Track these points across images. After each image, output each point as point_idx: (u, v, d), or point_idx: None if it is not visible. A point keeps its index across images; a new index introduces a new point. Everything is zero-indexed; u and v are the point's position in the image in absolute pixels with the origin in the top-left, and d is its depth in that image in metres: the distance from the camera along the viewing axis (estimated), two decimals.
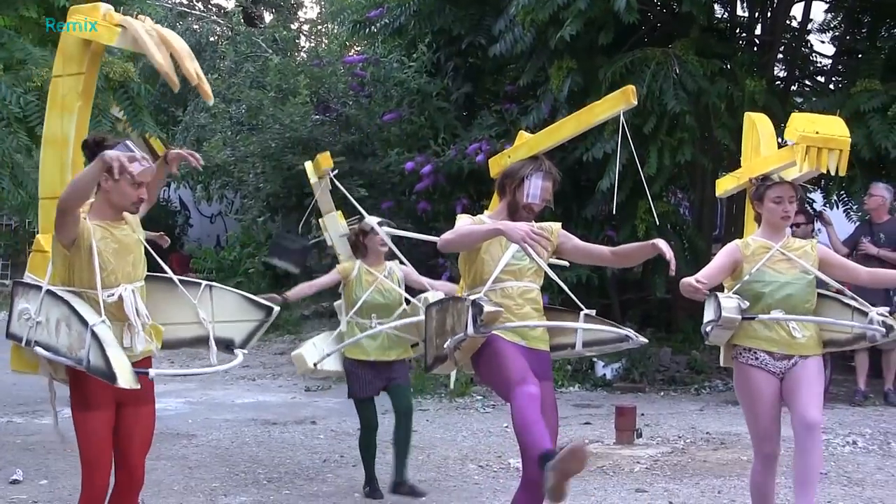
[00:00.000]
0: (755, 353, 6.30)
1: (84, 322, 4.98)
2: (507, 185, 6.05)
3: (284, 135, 16.17)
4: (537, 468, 5.35)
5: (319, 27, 27.18)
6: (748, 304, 6.22)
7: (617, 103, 6.52)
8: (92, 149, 5.31)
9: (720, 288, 6.44)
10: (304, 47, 24.37)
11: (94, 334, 4.93)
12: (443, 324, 5.90)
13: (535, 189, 5.95)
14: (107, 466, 5.30)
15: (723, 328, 6.23)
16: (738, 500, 8.15)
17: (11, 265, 26.64)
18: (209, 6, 31.00)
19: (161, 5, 24.65)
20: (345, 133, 16.39)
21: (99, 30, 5.47)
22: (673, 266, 5.72)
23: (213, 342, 5.59)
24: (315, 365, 8.24)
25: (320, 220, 8.62)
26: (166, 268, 5.69)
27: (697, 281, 6.03)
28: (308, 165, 8.70)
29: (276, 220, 18.90)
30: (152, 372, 5.20)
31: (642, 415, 11.14)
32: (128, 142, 5.32)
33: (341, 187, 8.57)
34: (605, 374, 14.13)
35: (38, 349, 5.19)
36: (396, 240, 8.38)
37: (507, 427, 10.98)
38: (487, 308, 5.57)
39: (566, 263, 7.63)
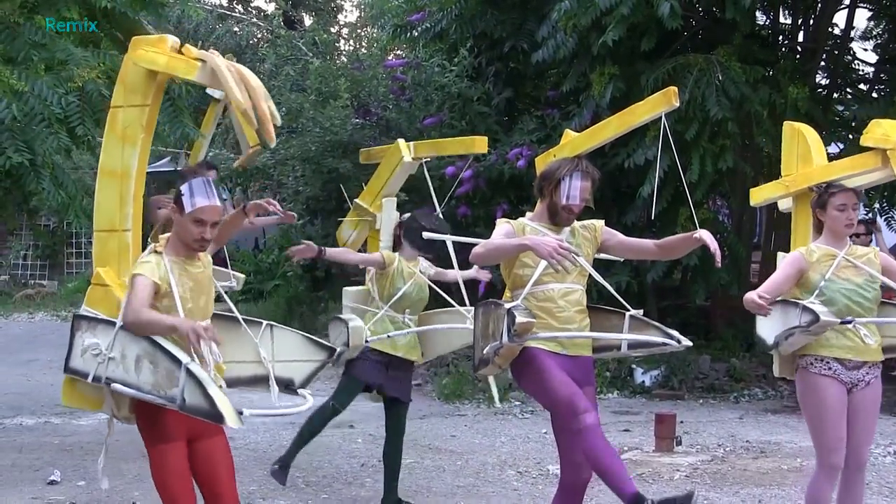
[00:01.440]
0: (827, 362, 6.19)
1: (174, 359, 4.86)
2: (545, 187, 5.99)
3: (324, 138, 16.16)
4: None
5: (359, 31, 27.21)
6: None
7: (659, 105, 6.49)
8: (185, 178, 5.21)
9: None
10: (344, 50, 24.41)
11: (189, 372, 4.80)
12: (486, 327, 5.88)
13: (574, 190, 5.88)
14: (191, 496, 5.17)
15: (811, 334, 6.12)
16: None
17: (50, 266, 26.85)
18: (249, 9, 31.13)
19: (202, 7, 24.79)
20: (385, 137, 16.33)
21: (175, 63, 5.44)
22: (718, 258, 5.67)
23: (273, 382, 5.50)
24: (367, 342, 8.00)
25: (362, 201, 8.65)
26: (232, 306, 5.60)
27: (760, 296, 5.96)
28: (402, 142, 8.90)
29: (315, 224, 18.91)
30: (247, 412, 5.02)
31: (681, 422, 11.08)
32: (209, 178, 5.23)
33: (428, 179, 8.67)
34: (644, 381, 14.07)
35: (116, 386, 5.03)
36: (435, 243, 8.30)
37: (546, 433, 10.95)
38: (519, 319, 5.54)
39: (619, 258, 7.62)
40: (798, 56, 15.52)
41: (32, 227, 24.80)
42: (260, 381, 5.54)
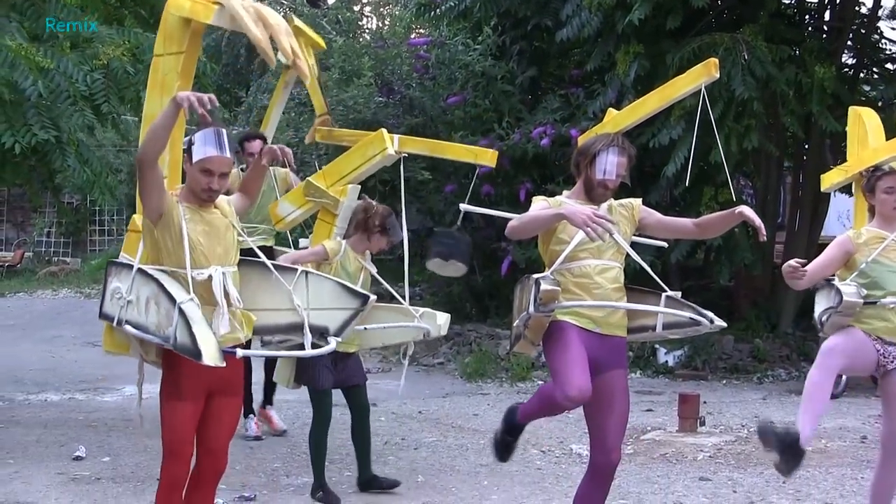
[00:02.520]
0: None
1: (172, 299, 4.96)
2: (581, 162, 5.92)
3: (348, 116, 16.12)
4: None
5: (382, 9, 27.14)
6: (865, 291, 6.12)
7: (699, 76, 6.47)
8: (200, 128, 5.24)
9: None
10: (367, 29, 24.36)
11: (181, 311, 4.91)
12: (520, 301, 5.85)
13: (609, 165, 5.81)
14: (188, 455, 5.27)
15: (842, 315, 6.12)
16: (804, 491, 8.08)
17: (73, 243, 26.94)
18: None
19: None
20: (408, 115, 16.35)
21: (196, 7, 5.45)
22: (763, 231, 5.64)
23: (307, 329, 5.50)
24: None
25: (318, 181, 8.21)
26: (259, 253, 5.63)
27: (797, 262, 5.95)
28: (385, 133, 8.25)
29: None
30: (240, 352, 5.14)
31: (705, 402, 11.05)
32: (222, 129, 5.24)
33: (401, 174, 8.47)
34: (667, 361, 14.05)
35: (128, 328, 5.17)
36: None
37: (568, 412, 10.93)
38: (544, 286, 5.50)
39: (664, 244, 7.59)
40: (825, 35, 15.41)
41: (56, 204, 24.89)
42: (296, 328, 5.55)
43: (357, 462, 8.07)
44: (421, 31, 19.79)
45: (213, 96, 4.99)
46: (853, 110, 7.14)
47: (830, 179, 7.36)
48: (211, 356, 4.83)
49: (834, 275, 6.37)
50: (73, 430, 9.83)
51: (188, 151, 5.18)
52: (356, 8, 28.08)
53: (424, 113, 16.30)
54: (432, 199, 15.87)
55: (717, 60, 6.42)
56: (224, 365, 4.92)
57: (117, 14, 10.40)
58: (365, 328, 7.58)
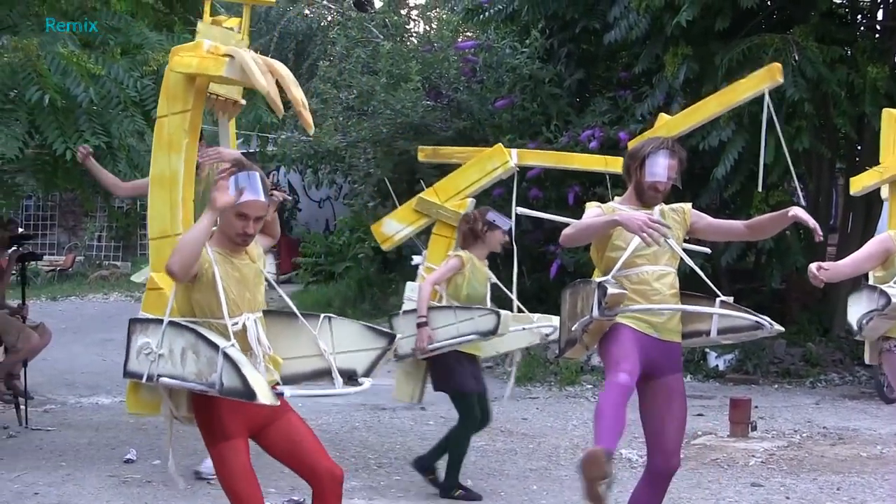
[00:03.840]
0: None
1: (213, 346, 4.91)
2: (631, 166, 5.87)
3: (396, 120, 16.17)
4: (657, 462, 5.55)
5: (430, 12, 27.15)
6: None
7: (762, 81, 6.42)
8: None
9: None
10: (414, 32, 24.38)
11: (226, 356, 4.85)
12: (574, 306, 5.79)
13: (660, 168, 5.76)
14: (257, 495, 5.12)
15: (887, 318, 6.06)
16: (859, 498, 7.98)
17: (124, 247, 27.13)
18: None
19: None
20: (456, 119, 16.35)
21: (205, 63, 5.46)
22: (819, 232, 5.58)
23: (336, 374, 5.40)
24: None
25: (432, 197, 8.44)
26: (288, 301, 5.59)
27: (819, 266, 5.89)
28: (502, 147, 8.63)
29: (386, 206, 18.92)
30: (287, 391, 5.09)
31: (756, 407, 10.96)
32: (256, 172, 5.18)
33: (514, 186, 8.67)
34: (717, 365, 13.96)
35: (164, 380, 5.09)
36: None
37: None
38: (611, 290, 5.45)
39: (707, 250, 7.56)
40: (877, 35, 15.24)
41: (107, 208, 25.07)
42: (322, 374, 5.47)
43: (435, 450, 8.16)
44: (469, 34, 19.79)
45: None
46: (887, 112, 7.04)
47: (861, 182, 7.26)
48: (265, 395, 4.76)
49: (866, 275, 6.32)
50: (123, 433, 9.90)
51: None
52: (403, 12, 28.14)
53: (472, 116, 16.29)
54: (479, 201, 15.82)
55: (780, 65, 6.36)
56: (278, 403, 4.86)
57: (167, 20, 10.48)
58: (524, 328, 7.99)
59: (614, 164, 8.44)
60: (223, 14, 9.80)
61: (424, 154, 9.74)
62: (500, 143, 8.79)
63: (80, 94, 8.24)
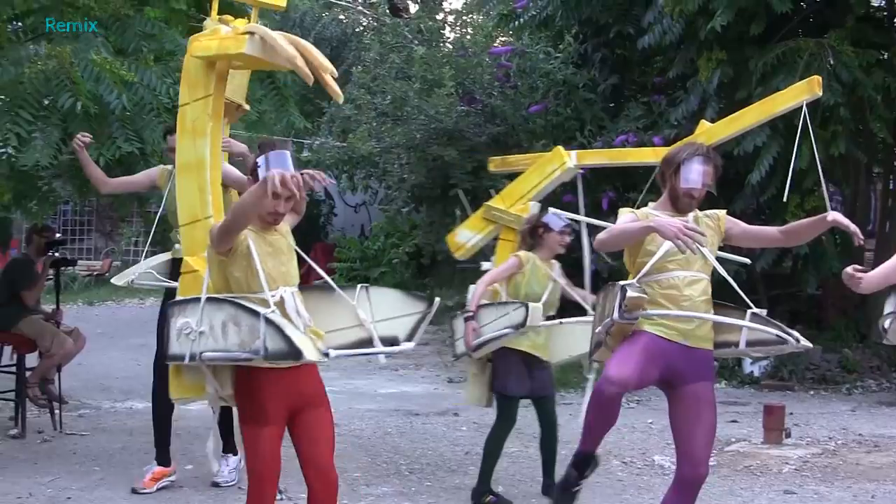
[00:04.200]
0: None
1: (254, 313, 4.97)
2: (666, 172, 5.84)
3: (429, 126, 16.18)
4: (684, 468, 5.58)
5: (464, 18, 27.21)
6: None
7: (801, 93, 6.43)
8: (262, 150, 5.24)
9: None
10: (449, 38, 24.42)
11: (267, 321, 4.91)
12: (603, 309, 5.80)
13: (694, 174, 5.72)
14: (275, 479, 5.24)
15: None
16: None
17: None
18: None
19: None
20: (490, 124, 16.34)
21: (225, 43, 5.47)
22: (859, 235, 5.54)
23: (377, 341, 5.49)
24: (475, 348, 7.93)
25: (499, 204, 8.61)
26: (322, 273, 5.65)
27: (854, 268, 5.84)
28: (561, 149, 8.78)
29: (419, 211, 18.96)
30: (333, 352, 5.16)
31: (791, 414, 10.90)
32: (286, 151, 5.24)
33: (580, 188, 8.82)
34: (752, 372, 13.88)
35: (207, 355, 5.15)
36: None
37: (651, 423, 10.87)
38: (630, 293, 5.43)
39: (747, 260, 7.56)
40: None
41: (143, 214, 25.17)
42: (364, 344, 5.54)
43: (542, 469, 8.13)
44: (503, 38, 19.78)
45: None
46: None
47: None
48: (311, 352, 4.85)
49: None
50: None
51: (253, 174, 5.16)
52: (439, 17, 28.16)
53: (506, 122, 16.27)
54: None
55: (819, 78, 6.33)
56: (326, 359, 4.96)
57: (201, 28, 10.52)
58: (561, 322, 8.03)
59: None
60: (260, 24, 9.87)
61: (494, 164, 9.95)
62: (559, 147, 8.92)
63: (112, 101, 8.30)
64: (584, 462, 5.93)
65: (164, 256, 8.25)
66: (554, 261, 8.09)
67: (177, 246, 7.65)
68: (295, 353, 4.83)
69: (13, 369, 10.26)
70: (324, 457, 5.31)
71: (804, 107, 6.32)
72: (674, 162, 5.78)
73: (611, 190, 14.64)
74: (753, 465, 9.12)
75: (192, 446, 9.45)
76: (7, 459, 9.00)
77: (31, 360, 10.39)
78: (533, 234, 8.01)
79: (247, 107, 7.77)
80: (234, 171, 7.48)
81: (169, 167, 7.90)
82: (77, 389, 12.12)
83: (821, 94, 6.29)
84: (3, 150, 8.19)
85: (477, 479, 7.98)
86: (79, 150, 7.90)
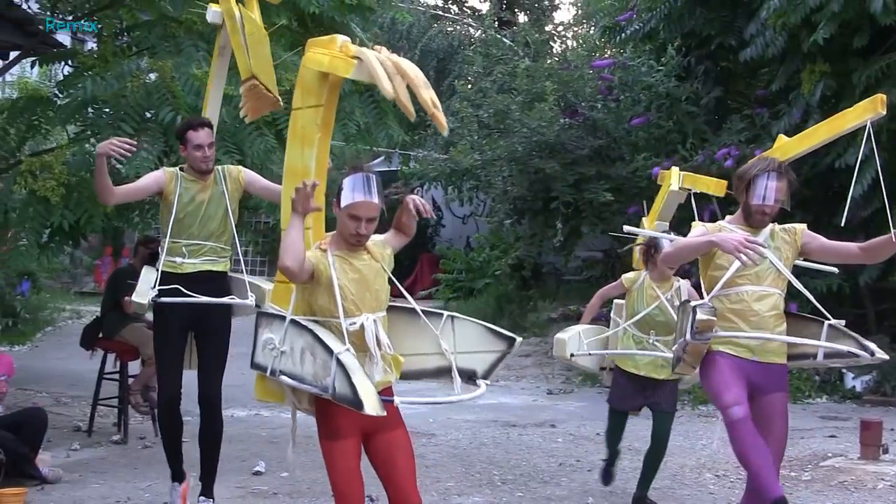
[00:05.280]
0: None
1: (329, 350, 5.01)
2: (739, 187, 5.90)
3: (531, 139, 16.26)
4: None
5: (568, 31, 27.23)
6: None
7: (864, 112, 6.38)
8: (350, 172, 5.32)
9: None
10: (555, 51, 24.46)
11: (339, 362, 4.94)
12: (680, 327, 5.86)
13: (767, 190, 5.76)
14: (359, 493, 5.27)
15: None
16: None
17: (269, 262, 27.63)
18: (464, 9, 31.42)
19: (415, 9, 25.10)
20: (591, 137, 16.38)
21: (336, 62, 5.56)
22: None
23: (456, 373, 5.51)
24: (572, 356, 8.25)
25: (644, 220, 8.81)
26: (410, 299, 5.64)
27: None
28: (675, 170, 8.91)
29: (522, 223, 19.02)
30: (397, 400, 5.16)
31: (892, 430, 10.75)
32: (370, 174, 5.30)
33: (694, 204, 8.74)
34: (854, 387, 13.71)
35: (284, 378, 5.23)
36: None
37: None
38: (699, 316, 5.50)
39: (833, 269, 7.53)
40: None
41: (253, 223, 25.56)
42: (444, 372, 5.56)
43: (639, 479, 8.27)
44: (606, 51, 19.78)
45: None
46: None
47: None
48: (372, 406, 4.83)
49: None
50: (255, 446, 10.14)
51: (337, 196, 5.23)
52: (547, 28, 28.20)
53: (608, 134, 16.31)
54: (616, 220, 15.84)
55: (884, 97, 6.30)
56: (385, 414, 4.92)
57: (302, 40, 10.70)
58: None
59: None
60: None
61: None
62: (674, 168, 9.08)
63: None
64: None
65: (153, 274, 7.28)
66: (680, 280, 8.17)
67: (179, 260, 7.27)
68: (356, 403, 4.84)
69: (116, 376, 10.54)
70: (404, 482, 5.34)
71: (868, 125, 6.29)
72: (746, 177, 5.82)
73: (712, 203, 14.56)
74: (848, 481, 9.03)
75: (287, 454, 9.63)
76: (109, 464, 9.25)
77: (134, 367, 10.66)
78: (647, 254, 8.16)
79: (281, 104, 7.28)
80: (277, 187, 7.08)
81: (175, 170, 7.30)
82: None
83: (884, 112, 6.25)
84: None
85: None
86: (104, 155, 6.89)
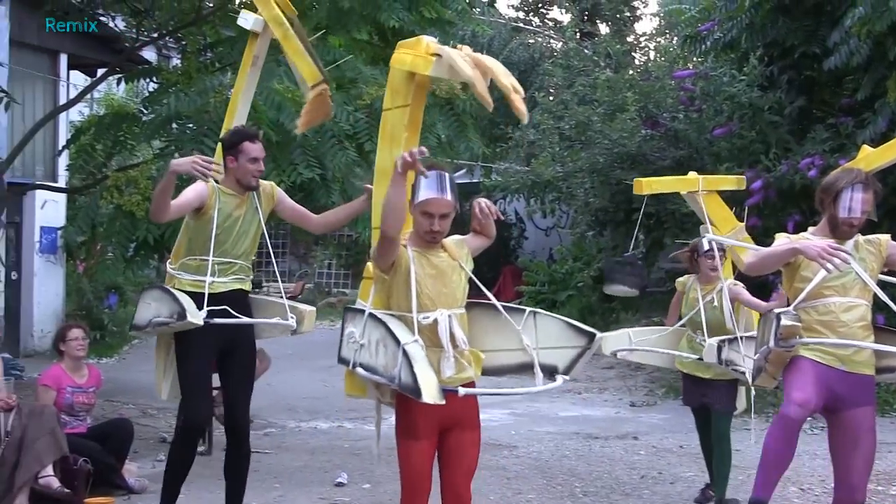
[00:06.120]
0: None
1: (397, 341, 5.10)
2: (825, 200, 5.84)
3: (612, 150, 16.21)
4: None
5: (650, 42, 27.12)
6: None
7: None
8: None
9: None
10: (635, 60, 24.37)
11: (405, 352, 5.03)
12: (762, 336, 5.82)
13: (853, 202, 5.70)
14: (425, 492, 5.35)
15: None
16: None
17: (352, 275, 27.86)
18: (545, 21, 31.40)
19: (496, 21, 25.13)
20: (673, 148, 16.28)
21: (417, 60, 5.60)
22: None
23: (538, 369, 5.52)
24: (614, 354, 8.53)
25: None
26: (490, 295, 5.70)
27: None
28: (692, 174, 8.88)
29: (604, 235, 18.96)
30: (462, 390, 5.16)
31: None
32: (444, 172, 5.35)
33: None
34: None
35: (359, 370, 5.33)
36: None
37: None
38: (784, 321, 5.45)
39: None
40: None
41: (336, 237, 25.78)
42: (526, 368, 5.58)
43: (713, 480, 8.47)
44: (688, 61, 19.67)
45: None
46: None
47: None
48: (430, 394, 4.92)
49: None
50: (338, 457, 10.19)
51: (412, 195, 5.29)
52: (630, 39, 28.08)
53: (690, 145, 16.19)
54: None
55: None
56: (443, 403, 4.98)
57: (383, 54, 10.78)
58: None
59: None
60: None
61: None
62: (694, 173, 8.98)
63: (294, 129, 8.57)
64: None
65: (183, 295, 6.69)
66: (730, 283, 8.24)
67: (211, 279, 6.71)
68: (416, 391, 4.93)
69: None
70: (460, 481, 5.43)
71: None
72: (832, 190, 5.76)
73: (796, 213, 14.41)
74: None
75: (371, 465, 9.66)
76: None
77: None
78: (691, 259, 8.40)
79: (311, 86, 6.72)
80: (303, 210, 7.16)
81: (212, 183, 6.64)
82: (264, 409, 12.49)
83: None
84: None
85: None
86: (179, 172, 6.47)
